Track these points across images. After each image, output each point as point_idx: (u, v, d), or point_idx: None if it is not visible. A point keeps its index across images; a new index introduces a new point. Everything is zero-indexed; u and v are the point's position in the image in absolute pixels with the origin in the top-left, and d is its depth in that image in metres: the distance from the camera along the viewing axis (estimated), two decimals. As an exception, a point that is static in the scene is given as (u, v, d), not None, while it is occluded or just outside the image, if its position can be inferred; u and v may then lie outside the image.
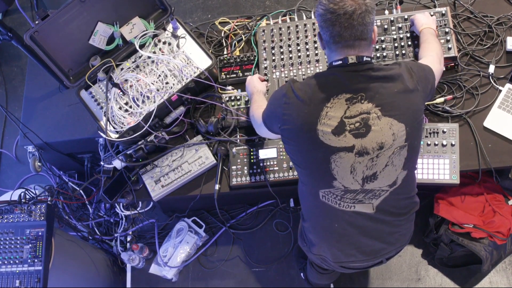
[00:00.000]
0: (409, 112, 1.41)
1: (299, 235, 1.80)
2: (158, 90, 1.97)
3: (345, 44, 1.38)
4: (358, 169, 1.44)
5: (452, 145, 1.86)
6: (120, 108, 1.96)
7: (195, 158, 2.01)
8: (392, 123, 1.40)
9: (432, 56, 1.67)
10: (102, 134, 1.93)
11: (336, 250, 1.58)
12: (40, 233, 1.95)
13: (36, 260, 1.92)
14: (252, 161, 1.97)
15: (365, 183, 1.46)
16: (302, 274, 2.43)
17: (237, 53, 2.17)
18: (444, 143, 1.86)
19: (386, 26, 1.99)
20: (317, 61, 2.01)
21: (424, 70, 1.51)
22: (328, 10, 1.33)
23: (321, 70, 2.00)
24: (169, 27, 2.07)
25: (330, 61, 1.45)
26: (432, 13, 1.97)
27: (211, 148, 2.02)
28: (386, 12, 2.05)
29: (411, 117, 1.42)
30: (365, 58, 1.40)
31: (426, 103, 1.83)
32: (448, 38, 1.93)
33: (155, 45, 2.04)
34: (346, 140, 1.40)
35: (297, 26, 2.07)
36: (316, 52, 2.03)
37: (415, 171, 1.58)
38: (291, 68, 2.03)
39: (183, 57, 2.02)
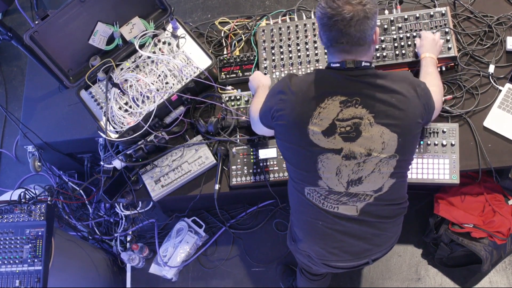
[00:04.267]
0: (405, 124, 1.40)
1: (288, 232, 1.80)
2: (158, 90, 1.97)
3: (342, 48, 1.36)
4: (343, 172, 1.44)
5: (452, 145, 1.86)
6: (120, 108, 1.96)
7: (195, 158, 2.01)
8: (383, 131, 1.40)
9: (435, 92, 1.57)
10: (102, 134, 1.93)
11: (319, 248, 1.58)
12: (40, 233, 1.95)
13: (36, 260, 1.92)
14: (252, 161, 1.97)
15: (349, 186, 1.46)
16: None
17: (237, 53, 2.17)
18: (444, 143, 1.86)
19: (386, 26, 1.98)
20: (317, 61, 2.01)
21: (429, 91, 1.49)
22: (326, 15, 1.31)
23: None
24: (169, 27, 2.06)
25: (329, 62, 1.44)
26: (439, 35, 1.89)
27: (211, 148, 2.02)
28: (386, 12, 2.05)
29: (406, 129, 1.41)
30: (363, 63, 1.39)
31: None
32: (448, 38, 1.93)
33: (155, 45, 2.04)
34: (335, 142, 1.41)
35: (297, 26, 2.07)
36: (316, 52, 2.02)
37: (406, 178, 1.56)
38: (291, 68, 2.03)
39: (183, 57, 2.02)
